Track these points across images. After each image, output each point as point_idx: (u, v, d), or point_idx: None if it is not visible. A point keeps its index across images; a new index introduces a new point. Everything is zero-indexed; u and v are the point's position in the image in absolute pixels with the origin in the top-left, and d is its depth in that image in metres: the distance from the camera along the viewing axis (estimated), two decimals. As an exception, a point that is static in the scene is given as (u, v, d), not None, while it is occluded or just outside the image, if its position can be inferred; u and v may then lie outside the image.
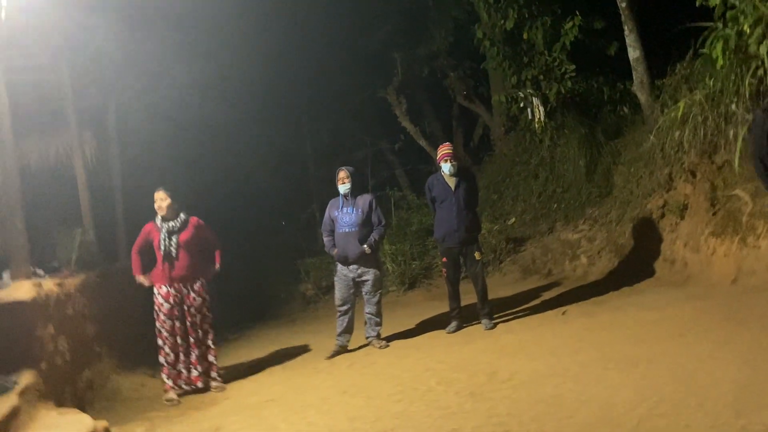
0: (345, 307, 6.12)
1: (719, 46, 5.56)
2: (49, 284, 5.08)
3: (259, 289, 9.65)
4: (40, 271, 5.54)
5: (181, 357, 5.47)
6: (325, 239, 6.23)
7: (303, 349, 6.59)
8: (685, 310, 5.12)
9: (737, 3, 5.48)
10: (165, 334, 5.43)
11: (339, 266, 6.14)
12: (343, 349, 6.09)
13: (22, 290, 4.57)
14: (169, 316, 5.42)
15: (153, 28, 8.26)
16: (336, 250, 6.08)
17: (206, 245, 5.69)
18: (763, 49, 5.12)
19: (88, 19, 6.20)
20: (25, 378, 4.16)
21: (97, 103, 7.43)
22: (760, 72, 5.40)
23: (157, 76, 8.91)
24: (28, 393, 4.05)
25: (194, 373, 5.48)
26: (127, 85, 8.00)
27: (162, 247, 5.42)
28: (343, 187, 6.05)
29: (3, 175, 4.81)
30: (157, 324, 5.44)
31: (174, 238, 5.43)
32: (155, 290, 5.48)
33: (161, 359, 5.45)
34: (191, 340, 5.50)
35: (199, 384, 5.49)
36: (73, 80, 6.71)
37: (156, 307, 5.45)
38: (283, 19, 10.47)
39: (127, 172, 7.81)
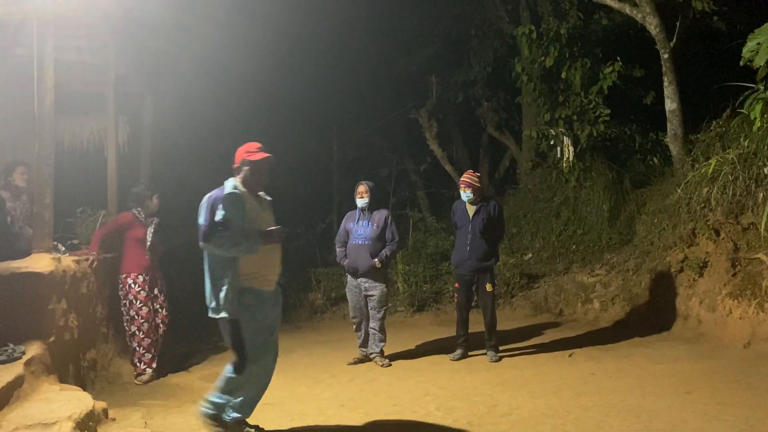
0: (358, 320, 6.16)
1: (758, 107, 5.55)
2: (68, 260, 5.16)
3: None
4: (61, 247, 5.64)
5: (152, 341, 5.78)
6: (338, 249, 6.31)
7: (305, 358, 6.59)
8: (694, 368, 5.05)
9: (781, 67, 5.47)
10: (141, 320, 5.74)
11: (349, 278, 6.20)
12: (365, 359, 6.15)
13: (42, 263, 4.65)
14: (145, 302, 5.77)
15: (197, 28, 8.43)
16: (347, 261, 6.13)
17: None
18: (801, 116, 5.10)
19: (137, 9, 6.35)
20: (33, 349, 4.21)
21: (137, 92, 7.58)
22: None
23: (196, 73, 9.06)
24: (33, 364, 4.10)
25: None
26: (167, 79, 8.15)
27: (150, 240, 5.82)
28: (361, 201, 6.13)
29: (39, 147, 4.92)
30: (132, 312, 5.75)
31: (159, 233, 5.92)
32: (130, 280, 5.78)
33: (135, 345, 5.73)
34: (159, 323, 5.90)
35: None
36: (117, 66, 6.86)
37: (131, 296, 5.76)
38: (324, 31, 10.62)
39: (157, 162, 7.94)
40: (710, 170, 6.56)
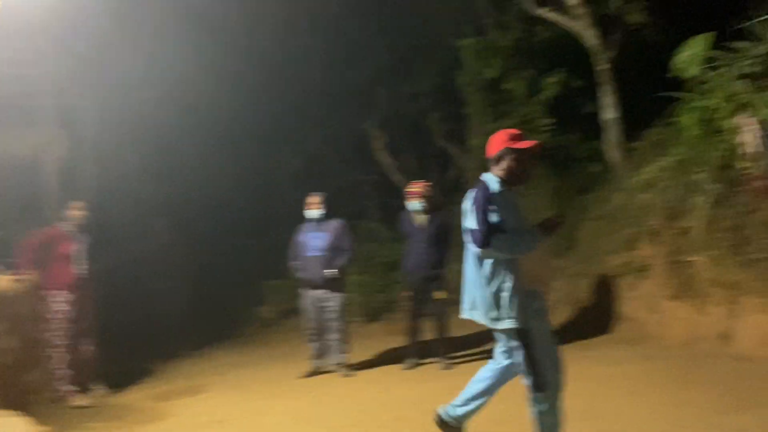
0: (313, 332, 6.12)
1: (690, 116, 5.81)
2: (4, 280, 4.95)
3: (219, 309, 9.49)
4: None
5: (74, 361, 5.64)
6: (293, 262, 6.26)
7: (259, 373, 6.50)
8: (638, 369, 5.22)
9: (709, 79, 5.76)
10: (60, 340, 5.55)
11: (305, 290, 6.16)
12: (317, 371, 6.12)
13: (-23, 284, 4.44)
14: (69, 320, 5.60)
15: (141, 38, 8.27)
16: (302, 274, 6.10)
17: None
18: (730, 124, 5.37)
19: (76, 22, 6.20)
20: (-31, 375, 4.02)
21: (76, 104, 7.37)
22: (727, 145, 5.65)
23: (140, 85, 8.87)
24: (-31, 391, 3.91)
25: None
26: (107, 91, 7.95)
27: (77, 257, 5.63)
28: (314, 213, 6.12)
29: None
30: (54, 330, 5.53)
31: (92, 249, 5.77)
32: (52, 297, 5.57)
33: (57, 365, 5.53)
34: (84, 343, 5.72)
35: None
36: (55, 78, 6.65)
37: (54, 314, 5.54)
38: (272, 44, 10.56)
39: (101, 176, 7.72)
40: (648, 177, 6.82)
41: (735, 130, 5.41)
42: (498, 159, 3.33)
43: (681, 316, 6.02)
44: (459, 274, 9.21)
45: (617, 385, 4.83)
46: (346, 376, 5.96)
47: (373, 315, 8.86)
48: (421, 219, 6.17)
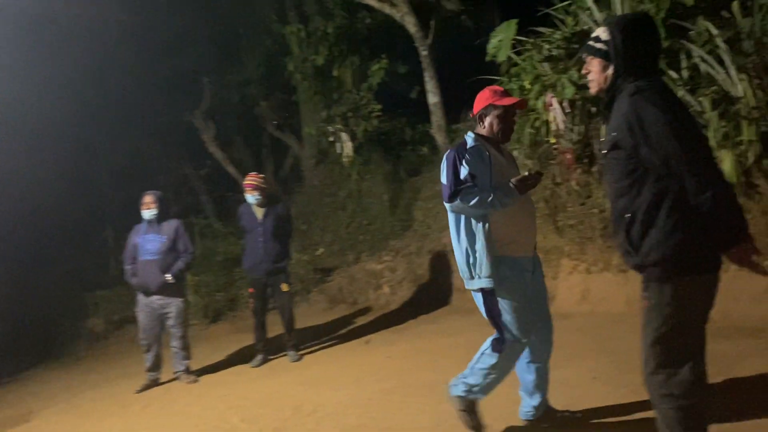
0: (148, 342, 5.73)
1: (505, 98, 6.23)
2: None
3: (40, 325, 8.57)
4: None
5: None
6: (126, 267, 5.82)
7: (90, 392, 5.97)
8: (476, 337, 5.49)
9: (520, 61, 6.22)
10: None
11: (140, 297, 5.75)
12: (154, 383, 5.76)
13: None
14: None
15: None
16: (136, 280, 5.68)
17: None
18: (539, 104, 5.85)
19: None
20: None
21: None
22: (537, 123, 6.15)
23: None
24: None
25: None
26: None
27: None
28: (149, 213, 5.73)
29: None
30: None
31: None
32: None
33: None
34: None
35: None
36: None
37: None
38: (84, 32, 9.63)
39: None
40: (471, 156, 7.25)
41: (543, 109, 5.90)
42: (481, 116, 3.29)
43: (509, 283, 6.48)
44: (299, 264, 9.15)
45: (459, 354, 5.07)
46: (190, 383, 5.67)
47: (215, 315, 8.53)
48: (260, 212, 6.01)
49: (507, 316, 3.15)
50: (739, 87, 4.68)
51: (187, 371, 5.82)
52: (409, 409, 4.03)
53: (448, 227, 7.23)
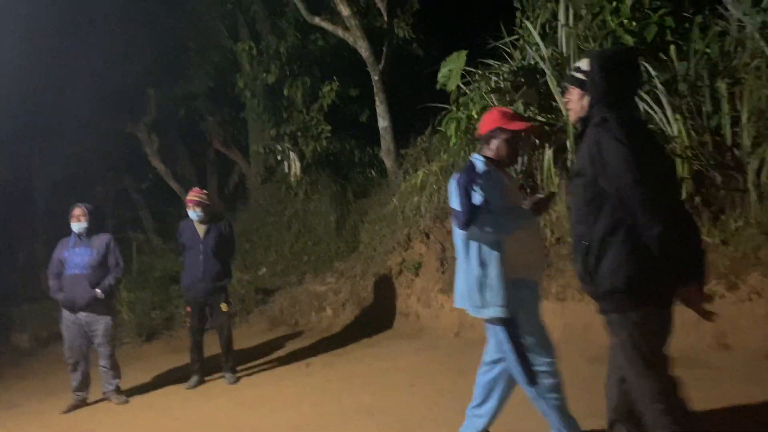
0: (74, 360, 5.48)
1: (453, 126, 6.36)
2: None
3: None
4: None
5: None
6: (51, 282, 5.58)
7: (12, 411, 5.64)
8: (416, 361, 5.56)
9: (468, 91, 6.36)
10: None
11: (65, 313, 5.50)
12: (82, 403, 5.50)
13: None
14: None
15: None
16: (62, 295, 5.43)
17: None
18: (485, 134, 5.96)
19: None
20: None
21: None
22: (483, 152, 6.27)
23: None
24: None
25: None
26: None
27: None
28: (78, 226, 5.50)
29: None
30: None
31: None
32: None
33: None
34: None
35: None
36: None
37: None
38: (22, 38, 9.28)
39: None
40: (419, 181, 7.34)
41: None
42: (488, 138, 3.20)
43: (450, 308, 6.53)
44: (240, 284, 9.00)
45: (398, 379, 5.08)
46: (120, 403, 5.44)
47: (149, 334, 8.24)
48: (202, 229, 5.87)
49: (530, 339, 3.07)
50: (674, 127, 4.92)
51: (117, 391, 5.58)
52: (347, 434, 3.98)
53: (392, 250, 7.22)
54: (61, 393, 5.85)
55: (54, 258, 5.60)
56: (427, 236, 7.29)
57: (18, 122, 10.31)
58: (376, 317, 7.41)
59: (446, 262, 6.92)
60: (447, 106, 6.72)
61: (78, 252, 5.51)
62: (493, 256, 3.05)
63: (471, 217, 3.00)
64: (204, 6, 11.13)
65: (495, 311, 3.04)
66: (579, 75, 2.51)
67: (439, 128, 6.99)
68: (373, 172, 10.09)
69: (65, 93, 10.50)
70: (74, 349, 5.50)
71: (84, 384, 5.54)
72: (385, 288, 7.54)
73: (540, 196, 3.12)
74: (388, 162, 9.02)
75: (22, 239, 10.55)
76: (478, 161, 3.15)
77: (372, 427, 4.03)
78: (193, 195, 5.94)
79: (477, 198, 3.01)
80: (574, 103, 2.54)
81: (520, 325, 3.06)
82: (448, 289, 6.63)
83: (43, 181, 11.40)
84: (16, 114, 9.92)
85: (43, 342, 8.20)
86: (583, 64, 2.51)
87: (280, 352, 6.83)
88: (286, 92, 9.62)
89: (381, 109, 8.91)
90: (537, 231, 3.29)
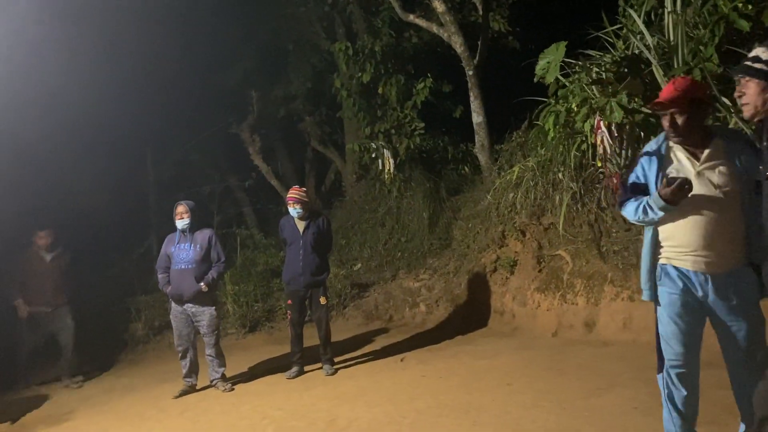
0: (183, 348, 5.84)
1: (551, 120, 6.20)
2: None
3: (82, 329, 8.80)
4: None
5: None
6: (160, 276, 5.95)
7: (129, 395, 6.08)
8: (513, 360, 5.48)
9: (568, 83, 6.17)
10: None
11: (173, 305, 5.86)
12: (191, 389, 5.85)
13: None
14: None
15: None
16: (170, 288, 5.79)
17: None
18: (587, 126, 5.78)
19: None
20: None
21: None
22: (584, 146, 6.08)
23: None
24: None
25: None
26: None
27: None
28: (181, 223, 5.84)
29: None
30: None
31: None
32: None
33: None
34: None
35: None
36: None
37: None
38: (135, 44, 9.95)
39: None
40: (514, 177, 7.21)
41: (590, 133, 5.83)
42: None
43: (548, 308, 6.40)
44: (336, 278, 9.20)
45: (494, 377, 5.03)
46: (225, 391, 5.74)
47: (252, 325, 8.61)
48: (302, 225, 6.08)
49: (661, 329, 2.93)
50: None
51: (223, 379, 5.88)
52: (443, 429, 3.99)
53: (486, 247, 7.16)
54: (172, 379, 6.24)
55: (162, 253, 5.98)
56: (523, 234, 7.15)
57: (135, 125, 11.06)
58: (469, 315, 7.36)
59: (543, 261, 6.76)
60: (545, 100, 6.56)
61: (183, 248, 5.84)
62: (647, 239, 2.98)
63: (622, 197, 3.00)
64: (302, 9, 11.45)
65: (644, 294, 3.01)
66: (759, 65, 2.26)
67: (536, 122, 6.83)
68: (466, 169, 9.99)
69: (175, 96, 11.14)
70: (182, 338, 5.85)
71: (192, 371, 5.89)
72: (478, 285, 7.47)
73: (672, 178, 2.77)
74: (482, 158, 8.91)
75: (139, 236, 11.30)
76: (656, 139, 3.05)
77: (468, 425, 4.02)
78: (293, 193, 6.15)
79: (632, 178, 3.02)
80: (753, 98, 2.30)
81: (658, 312, 2.92)
82: (544, 288, 6.49)
83: (156, 180, 12.15)
84: (133, 116, 10.66)
85: (156, 331, 8.76)
86: (763, 53, 2.26)
87: (375, 346, 6.94)
88: (380, 90, 9.73)
89: (475, 105, 8.82)
90: (706, 217, 2.80)
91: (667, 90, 2.90)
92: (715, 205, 2.78)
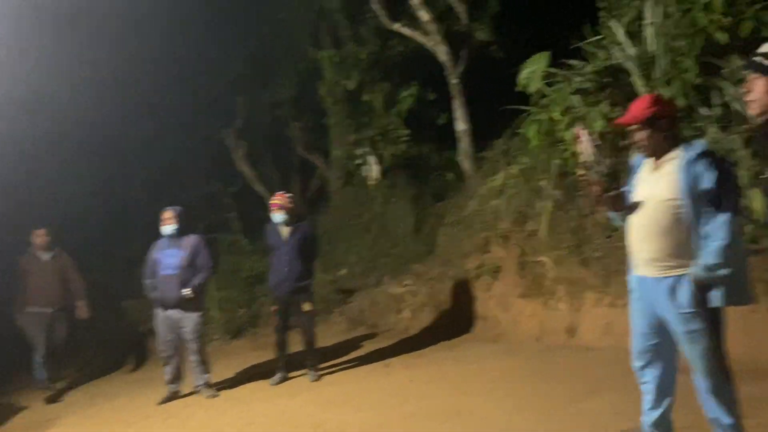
0: (167, 354, 5.81)
1: (533, 128, 6.29)
2: None
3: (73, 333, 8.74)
4: None
5: None
6: (146, 281, 5.92)
7: (113, 401, 6.05)
8: (497, 365, 5.54)
9: (550, 93, 6.27)
10: None
11: (159, 310, 5.85)
12: (176, 395, 5.82)
13: None
14: None
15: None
16: (156, 294, 5.79)
17: None
18: (568, 135, 5.87)
19: None
20: None
21: None
22: (566, 154, 6.17)
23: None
24: None
25: None
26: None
27: None
28: (168, 228, 5.84)
29: None
30: None
31: None
32: None
33: None
34: None
35: None
36: None
37: None
38: (122, 48, 9.92)
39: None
40: (497, 184, 7.29)
41: (572, 141, 5.92)
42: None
43: (531, 313, 6.46)
44: (321, 284, 9.20)
45: (479, 382, 5.08)
46: (210, 397, 5.73)
47: (236, 332, 8.60)
48: (285, 231, 6.10)
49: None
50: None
51: (208, 385, 5.87)
52: (430, 434, 4.04)
53: (470, 254, 7.22)
54: (156, 385, 6.22)
55: (149, 259, 5.97)
56: (506, 240, 7.23)
57: (122, 129, 11.01)
58: (454, 320, 7.41)
59: (526, 267, 6.84)
60: (528, 108, 6.66)
61: (169, 253, 5.83)
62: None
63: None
64: (289, 16, 11.50)
65: None
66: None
67: (519, 130, 6.92)
68: (450, 176, 10.09)
69: (163, 101, 11.11)
70: (166, 344, 5.83)
71: (176, 377, 5.87)
72: (463, 291, 7.53)
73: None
74: (466, 165, 9.01)
75: (124, 241, 11.22)
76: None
77: (459, 428, 4.07)
78: (278, 198, 6.16)
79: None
80: (761, 94, 2.22)
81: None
82: (528, 293, 6.57)
83: (141, 188, 12.09)
84: (119, 119, 10.61)
85: (141, 336, 8.69)
86: None
87: (360, 352, 6.97)
88: (365, 98, 9.81)
89: (459, 113, 8.93)
90: (642, 221, 3.00)
91: (630, 109, 3.08)
92: (658, 213, 2.93)
